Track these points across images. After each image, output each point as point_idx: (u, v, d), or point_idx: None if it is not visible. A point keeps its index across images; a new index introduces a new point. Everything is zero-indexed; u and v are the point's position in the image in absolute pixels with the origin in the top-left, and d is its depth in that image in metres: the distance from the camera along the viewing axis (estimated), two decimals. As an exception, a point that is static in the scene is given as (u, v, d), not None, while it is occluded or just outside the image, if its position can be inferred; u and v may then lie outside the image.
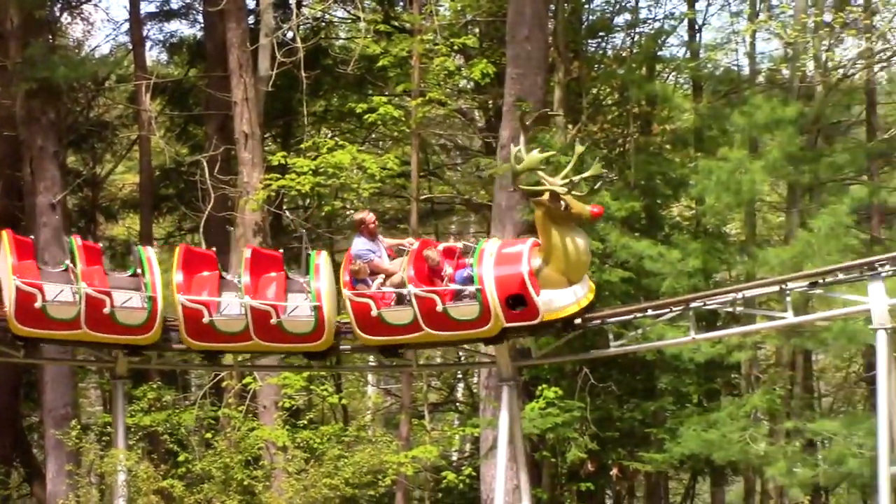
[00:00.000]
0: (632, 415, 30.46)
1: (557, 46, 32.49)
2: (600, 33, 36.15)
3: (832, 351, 35.10)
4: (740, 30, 35.87)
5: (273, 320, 19.42)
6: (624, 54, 35.81)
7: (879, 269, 17.88)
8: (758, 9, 35.01)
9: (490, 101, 35.14)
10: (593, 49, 36.34)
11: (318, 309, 19.32)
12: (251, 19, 34.64)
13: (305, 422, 30.39)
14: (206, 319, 19.59)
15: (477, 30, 36.25)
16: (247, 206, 30.62)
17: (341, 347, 20.81)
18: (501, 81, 31.04)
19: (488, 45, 35.31)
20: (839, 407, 41.52)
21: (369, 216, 20.39)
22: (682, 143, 34.41)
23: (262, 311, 19.37)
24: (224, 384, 30.67)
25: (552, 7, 32.47)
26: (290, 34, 33.56)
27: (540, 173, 19.38)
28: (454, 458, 40.72)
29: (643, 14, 37.18)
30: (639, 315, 20.72)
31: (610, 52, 36.64)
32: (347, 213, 37.99)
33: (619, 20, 36.41)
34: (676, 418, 29.51)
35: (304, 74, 31.21)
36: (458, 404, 42.13)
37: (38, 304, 19.54)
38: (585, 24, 35.58)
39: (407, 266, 19.12)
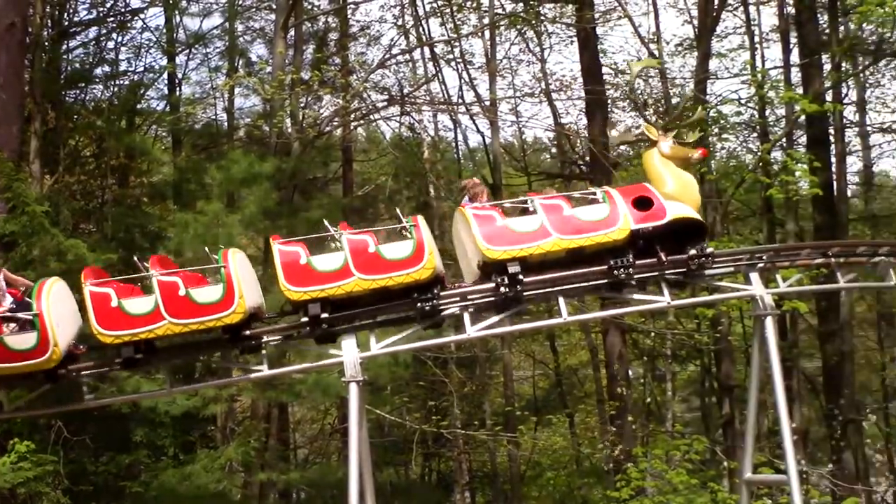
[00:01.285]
0: (107, 468, 29.89)
1: (34, 96, 31.66)
2: (79, 84, 35.56)
3: (307, 403, 35.73)
4: (219, 85, 36.21)
5: None
6: (103, 106, 35.37)
7: (357, 322, 18.23)
8: (237, 64, 35.44)
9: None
10: (72, 100, 35.69)
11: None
12: None
13: None
14: None
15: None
16: None
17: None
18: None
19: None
20: (314, 458, 42.27)
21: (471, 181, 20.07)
22: (160, 195, 34.26)
23: None
24: None
25: (29, 56, 31.60)
26: None
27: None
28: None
29: (123, 66, 36.91)
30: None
31: (89, 104, 36.09)
32: None
33: (99, 71, 35.98)
34: (152, 471, 29.19)
35: None
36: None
37: None
38: (64, 74, 34.89)
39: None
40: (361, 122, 39.04)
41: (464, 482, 40.48)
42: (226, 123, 37.98)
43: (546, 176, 42.73)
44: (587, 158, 37.22)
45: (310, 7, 38.27)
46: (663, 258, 18.74)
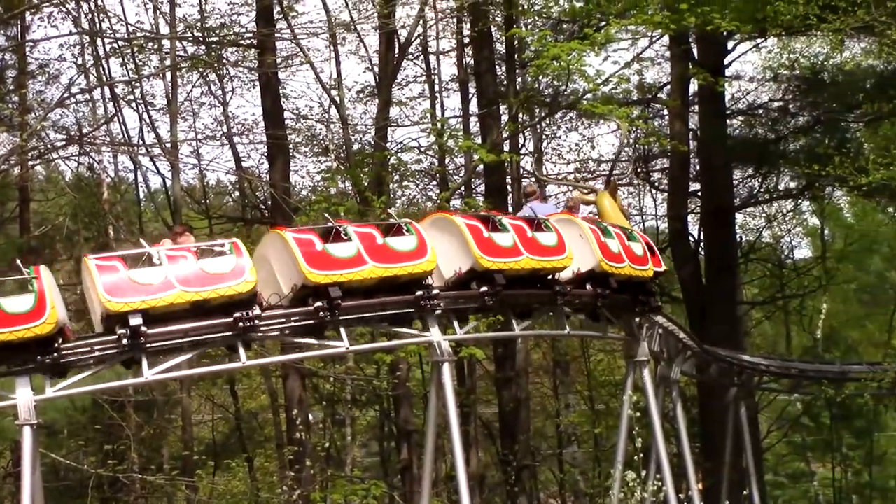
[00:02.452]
0: None
1: None
2: None
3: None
4: None
5: None
6: None
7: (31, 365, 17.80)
8: None
9: None
10: None
11: None
12: None
13: None
14: None
15: None
16: None
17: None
18: None
19: None
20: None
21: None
22: None
23: None
24: None
25: None
26: None
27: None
28: None
29: None
30: None
31: None
32: None
33: None
34: None
35: None
36: None
37: None
38: None
39: None
40: (39, 161, 38.07)
41: (141, 528, 39.73)
42: None
43: (228, 219, 42.56)
44: (269, 202, 37.24)
45: (-15, 44, 37.26)
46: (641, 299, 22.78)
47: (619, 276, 21.48)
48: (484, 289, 19.74)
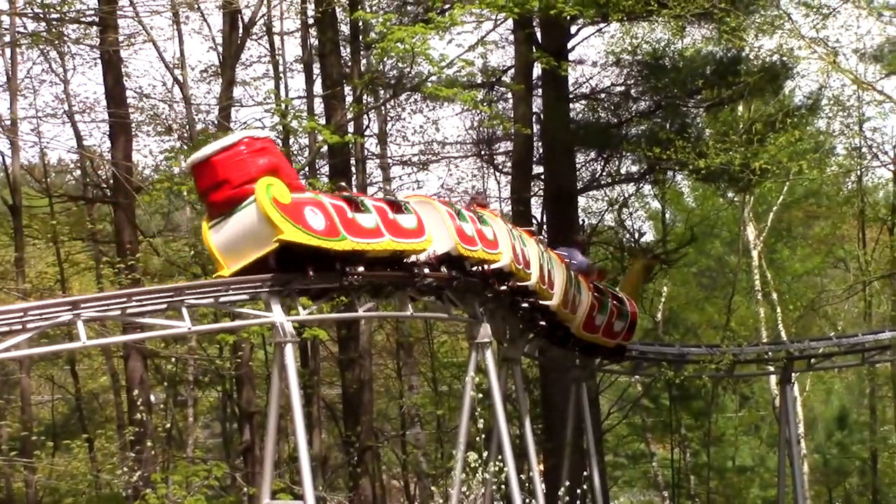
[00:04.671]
0: None
1: None
2: None
3: None
4: None
5: None
6: None
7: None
8: None
9: None
10: None
11: None
12: None
13: None
14: None
15: None
16: None
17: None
18: None
19: None
20: None
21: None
22: None
23: None
24: None
25: None
26: None
27: None
28: None
29: None
30: None
31: None
32: None
33: None
34: None
35: None
36: None
37: None
38: None
39: None
40: None
41: (-24, 510, 39.01)
42: None
43: (69, 198, 41.88)
44: (111, 182, 36.73)
45: None
46: None
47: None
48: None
